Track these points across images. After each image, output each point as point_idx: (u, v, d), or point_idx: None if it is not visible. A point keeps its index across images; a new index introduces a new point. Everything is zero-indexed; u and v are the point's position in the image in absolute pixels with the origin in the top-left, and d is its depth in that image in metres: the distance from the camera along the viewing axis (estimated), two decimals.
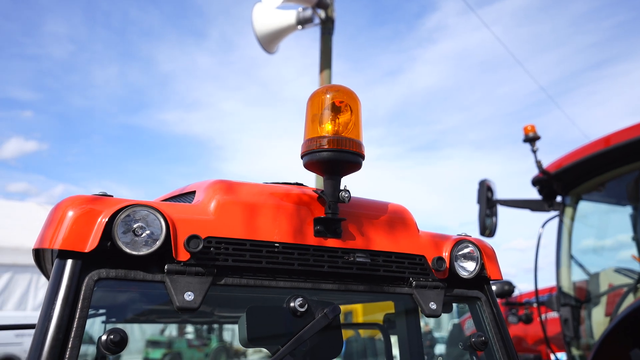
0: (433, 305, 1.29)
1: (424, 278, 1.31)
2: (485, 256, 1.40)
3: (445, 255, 1.34)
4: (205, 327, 18.55)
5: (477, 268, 1.36)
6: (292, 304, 1.12)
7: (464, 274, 1.35)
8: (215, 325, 18.49)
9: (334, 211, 1.19)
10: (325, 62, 7.82)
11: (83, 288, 0.97)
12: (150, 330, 19.22)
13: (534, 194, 4.96)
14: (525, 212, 4.98)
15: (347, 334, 2.95)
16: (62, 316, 0.94)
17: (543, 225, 4.62)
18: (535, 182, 4.79)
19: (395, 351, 2.00)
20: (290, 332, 1.11)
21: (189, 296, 1.03)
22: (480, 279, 1.40)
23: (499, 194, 4.98)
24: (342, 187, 1.21)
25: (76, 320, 0.94)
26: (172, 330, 19.14)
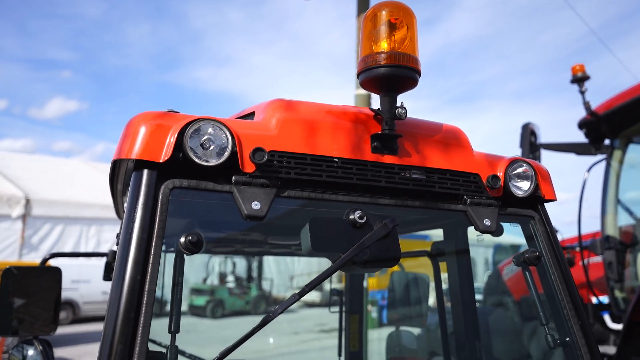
0: (487, 222, 1.32)
1: (478, 196, 1.33)
2: (540, 176, 1.40)
3: (500, 174, 1.35)
4: (245, 276, 19.33)
5: (531, 187, 1.37)
6: (351, 216, 1.17)
7: (518, 192, 1.36)
8: (255, 275, 19.25)
9: (390, 127, 1.21)
10: (363, 5, 7.67)
11: (160, 195, 1.04)
12: (194, 278, 20.18)
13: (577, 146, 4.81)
14: (565, 164, 4.87)
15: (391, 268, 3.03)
16: (144, 218, 1.02)
17: (589, 170, 4.50)
18: (582, 124, 4.63)
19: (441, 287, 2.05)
20: (349, 242, 1.16)
21: (255, 205, 1.09)
22: (535, 199, 1.40)
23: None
24: (398, 105, 1.22)
25: (157, 223, 1.02)
26: (214, 279, 20.03)
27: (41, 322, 1.74)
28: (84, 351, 10.98)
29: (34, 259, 15.13)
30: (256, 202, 1.10)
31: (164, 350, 1.01)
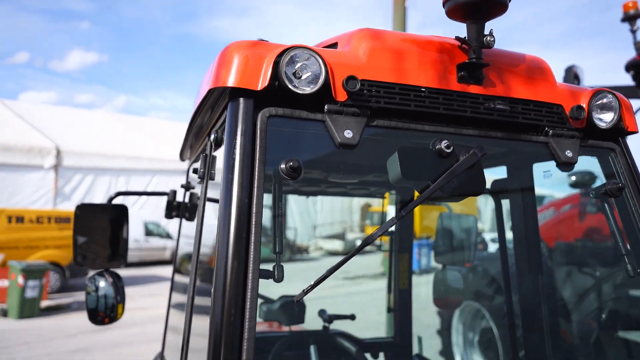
0: (569, 153, 1.31)
1: (560, 127, 1.32)
2: (624, 108, 1.37)
3: (584, 105, 1.33)
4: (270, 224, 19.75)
5: (615, 119, 1.35)
6: (438, 146, 1.18)
7: (601, 124, 1.34)
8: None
9: (478, 56, 1.19)
10: None
11: (258, 123, 1.07)
12: None
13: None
14: None
15: (440, 209, 3.06)
16: (245, 145, 1.04)
17: (635, 112, 4.36)
18: (630, 66, 4.44)
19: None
20: (436, 171, 1.18)
21: (348, 134, 1.11)
22: (617, 131, 1.38)
23: None
24: (486, 32, 1.19)
25: (258, 149, 1.04)
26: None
27: (110, 256, 1.83)
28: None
29: (67, 207, 15.68)
30: (348, 131, 1.11)
31: (271, 269, 1.06)
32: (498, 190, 1.90)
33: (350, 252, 1.10)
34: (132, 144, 20.24)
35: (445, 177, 1.13)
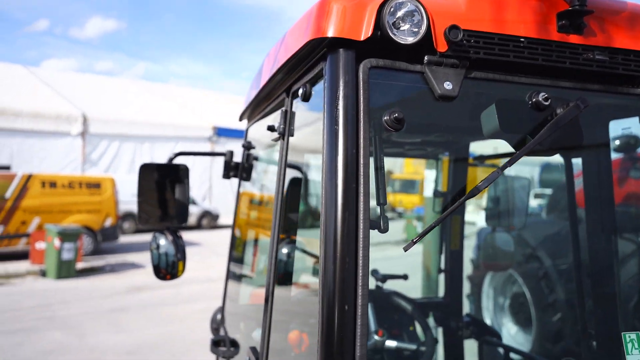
0: None
1: None
2: None
3: None
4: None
5: None
6: (535, 98, 1.14)
7: None
8: (302, 191, 19.75)
9: (581, 3, 1.14)
10: None
11: (360, 74, 1.04)
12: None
13: None
14: None
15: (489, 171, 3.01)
16: (348, 96, 1.02)
17: None
18: None
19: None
20: (533, 124, 1.14)
21: (448, 85, 1.08)
22: None
23: None
24: None
25: (361, 101, 1.02)
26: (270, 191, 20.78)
27: (171, 215, 1.85)
28: (149, 257, 11.89)
29: (95, 173, 16.00)
30: (448, 82, 1.08)
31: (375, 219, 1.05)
32: (570, 147, 1.85)
33: (455, 205, 1.08)
34: (155, 111, 20.38)
35: (547, 130, 1.10)
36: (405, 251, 1.03)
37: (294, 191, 1.53)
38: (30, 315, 6.91)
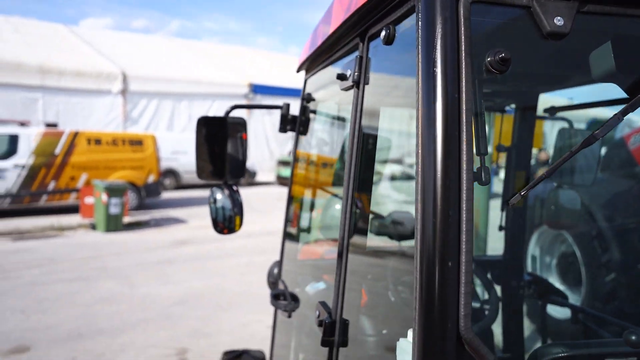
0: None
1: None
2: None
3: None
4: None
5: None
6: None
7: None
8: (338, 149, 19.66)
9: None
10: None
11: (461, 9, 0.93)
12: (279, 151, 21.06)
13: None
14: None
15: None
16: (447, 34, 0.92)
17: None
18: None
19: None
20: None
21: (558, 21, 0.95)
22: None
23: None
24: None
25: (463, 40, 0.92)
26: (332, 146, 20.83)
27: (228, 169, 1.81)
28: (190, 213, 12.25)
29: (137, 131, 16.35)
30: (559, 18, 0.95)
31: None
32: None
33: (575, 149, 0.97)
34: (191, 68, 20.43)
35: None
36: (510, 205, 0.94)
37: (369, 145, 1.45)
38: (84, 266, 7.28)
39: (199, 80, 19.29)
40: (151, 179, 12.39)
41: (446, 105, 0.87)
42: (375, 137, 1.46)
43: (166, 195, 14.96)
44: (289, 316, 1.58)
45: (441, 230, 0.83)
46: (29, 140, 10.78)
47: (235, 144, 1.80)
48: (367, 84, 1.27)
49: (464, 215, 0.84)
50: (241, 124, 1.81)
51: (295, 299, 1.66)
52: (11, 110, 15.11)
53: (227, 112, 1.84)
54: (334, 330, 1.23)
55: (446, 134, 0.86)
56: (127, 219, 10.53)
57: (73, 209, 11.25)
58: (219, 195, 1.81)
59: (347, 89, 1.33)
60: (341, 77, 1.36)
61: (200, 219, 11.53)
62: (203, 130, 1.76)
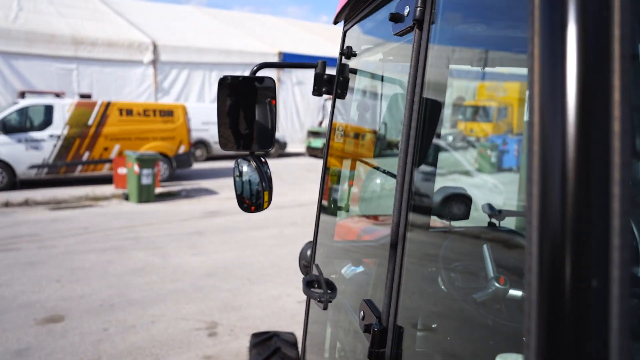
0: None
1: None
2: None
3: None
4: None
5: None
6: None
7: None
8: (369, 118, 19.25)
9: None
10: None
11: None
12: (309, 122, 20.81)
13: None
14: None
15: None
16: None
17: None
18: None
19: None
20: None
21: None
22: None
23: None
24: None
25: None
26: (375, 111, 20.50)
27: (256, 137, 1.60)
28: (221, 184, 12.27)
29: (168, 102, 16.39)
30: None
31: None
32: None
33: None
34: (221, 38, 20.20)
35: None
36: None
37: (433, 108, 1.19)
38: (117, 236, 7.36)
39: (230, 49, 19.07)
40: (182, 149, 12.42)
41: (584, 39, 0.52)
42: (439, 100, 1.20)
43: (197, 166, 15.04)
44: (325, 307, 1.39)
45: (577, 231, 0.48)
46: (63, 111, 10.91)
47: (264, 110, 1.58)
48: (434, 22, 1.01)
49: (616, 206, 0.48)
50: (270, 87, 1.59)
51: (332, 287, 1.47)
52: (48, 81, 15.35)
53: (254, 71, 1.61)
54: (385, 341, 0.99)
55: (585, 78, 0.51)
56: (158, 190, 10.62)
57: (107, 180, 11.43)
58: (244, 168, 1.60)
59: (403, 32, 1.06)
60: (396, 17, 1.08)
61: (230, 190, 11.52)
62: (226, 93, 1.53)
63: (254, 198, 1.63)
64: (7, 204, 9.30)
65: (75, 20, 17.19)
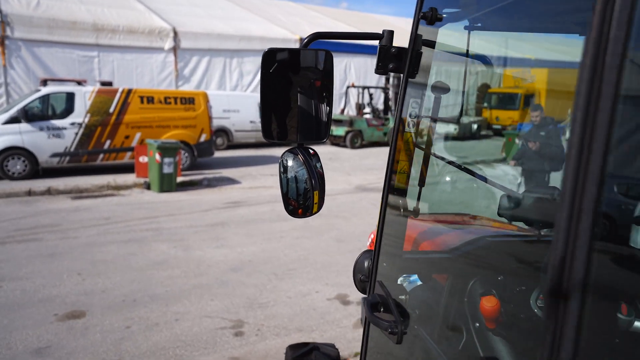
0: None
1: None
2: None
3: None
4: (382, 107, 19.00)
5: None
6: None
7: None
8: (392, 104, 18.78)
9: None
10: None
11: None
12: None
13: None
14: None
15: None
16: None
17: None
18: None
19: None
20: None
21: None
22: None
23: None
24: None
25: None
26: (351, 110, 20.11)
27: (306, 125, 1.28)
28: (243, 173, 12.05)
29: (189, 89, 16.20)
30: None
31: None
32: None
33: None
34: (241, 24, 19.87)
35: None
36: None
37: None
38: (139, 227, 7.19)
39: (251, 36, 18.75)
40: (203, 137, 12.21)
41: None
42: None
43: (218, 154, 14.86)
44: (399, 341, 1.09)
45: None
46: (84, 98, 10.78)
47: (317, 91, 1.27)
48: None
49: None
50: (327, 60, 1.26)
51: (404, 313, 1.17)
52: (70, 69, 15.29)
53: (306, 43, 1.28)
54: None
55: None
56: (180, 179, 10.45)
57: (129, 168, 11.31)
58: (290, 162, 1.30)
59: None
60: None
61: (253, 179, 11.31)
62: (271, 72, 1.22)
63: (301, 198, 1.33)
64: (29, 193, 9.25)
65: (96, 7, 17.06)
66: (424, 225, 1.80)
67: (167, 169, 9.62)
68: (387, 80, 18.85)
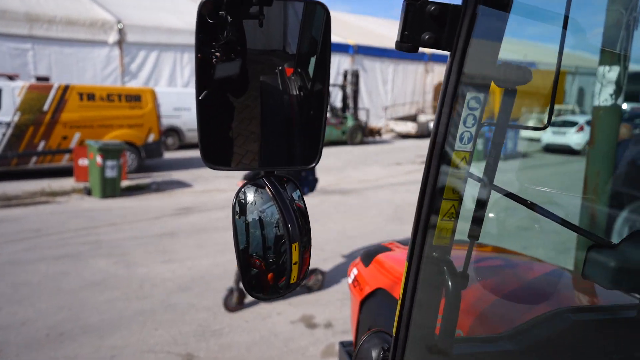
0: None
1: None
2: None
3: None
4: (341, 106, 18.60)
5: None
6: None
7: None
8: (351, 105, 18.42)
9: None
10: None
11: None
12: None
13: None
14: None
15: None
16: None
17: None
18: None
19: None
20: None
21: None
22: None
23: None
24: None
25: None
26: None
27: (280, 145, 0.81)
28: (195, 175, 11.29)
29: (136, 86, 15.17)
30: None
31: None
32: None
33: None
34: (194, 17, 18.91)
35: None
36: None
37: None
38: (75, 239, 6.37)
39: None
40: (151, 138, 11.34)
41: None
42: None
43: (168, 155, 13.97)
44: None
45: None
46: (13, 95, 9.68)
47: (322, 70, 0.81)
48: None
49: None
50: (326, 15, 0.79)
51: None
52: (0, 62, 13.92)
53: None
54: None
55: None
56: (125, 183, 9.58)
57: (67, 172, 10.30)
58: (250, 197, 0.79)
59: None
60: None
61: (205, 181, 10.57)
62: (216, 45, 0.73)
63: (270, 254, 0.79)
64: None
65: None
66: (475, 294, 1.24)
67: (110, 173, 8.75)
68: (345, 77, 18.50)
